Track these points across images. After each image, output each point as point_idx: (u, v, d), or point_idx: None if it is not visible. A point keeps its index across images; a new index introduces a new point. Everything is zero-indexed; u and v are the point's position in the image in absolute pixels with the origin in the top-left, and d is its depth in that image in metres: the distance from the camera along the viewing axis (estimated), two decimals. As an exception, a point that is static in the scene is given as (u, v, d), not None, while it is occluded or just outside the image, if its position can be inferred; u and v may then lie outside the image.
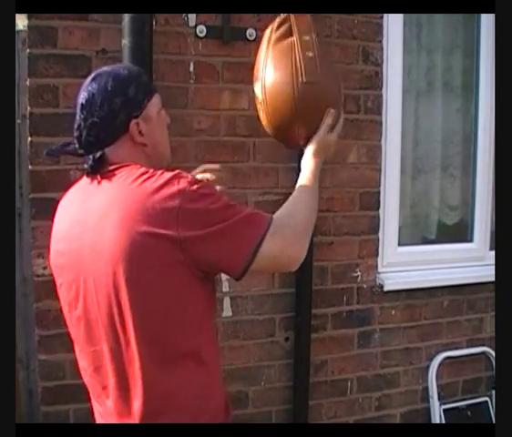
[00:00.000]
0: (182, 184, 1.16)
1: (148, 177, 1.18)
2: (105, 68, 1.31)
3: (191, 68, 2.28)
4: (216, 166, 1.62)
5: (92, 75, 1.29)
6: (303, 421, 2.53)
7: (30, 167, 2.15)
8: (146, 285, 1.16)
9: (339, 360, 2.64)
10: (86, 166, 1.27)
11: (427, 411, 2.80)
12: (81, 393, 2.18)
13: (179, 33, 2.26)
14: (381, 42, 2.57)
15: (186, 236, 1.14)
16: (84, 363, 1.33)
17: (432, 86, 2.87)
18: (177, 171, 1.20)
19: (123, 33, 2.04)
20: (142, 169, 1.21)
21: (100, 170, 1.25)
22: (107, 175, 1.24)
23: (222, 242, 1.17)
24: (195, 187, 1.17)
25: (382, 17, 2.56)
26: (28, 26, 2.08)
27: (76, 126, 1.27)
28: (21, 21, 2.14)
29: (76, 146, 1.28)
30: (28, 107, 2.12)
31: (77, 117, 1.27)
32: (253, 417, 2.50)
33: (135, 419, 1.22)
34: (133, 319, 1.17)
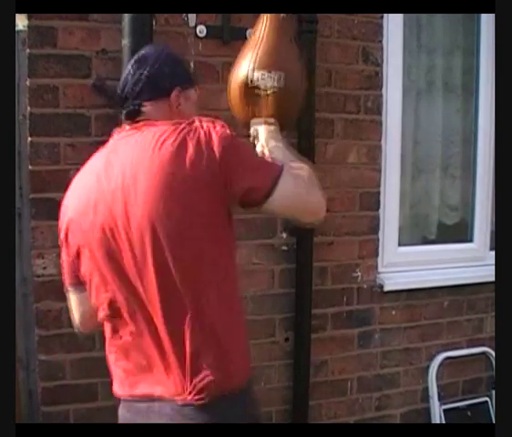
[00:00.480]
0: (216, 123, 1.32)
1: (182, 130, 1.27)
2: (162, 44, 1.53)
3: (191, 68, 2.28)
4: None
5: (149, 45, 1.47)
6: (303, 421, 2.53)
7: (30, 167, 2.15)
8: (184, 208, 1.22)
9: (339, 361, 2.64)
10: (124, 111, 1.36)
11: (427, 412, 2.80)
12: (81, 393, 2.21)
13: (179, 33, 2.26)
14: (381, 42, 2.57)
15: (223, 158, 1.24)
16: (113, 306, 1.33)
17: (432, 87, 2.87)
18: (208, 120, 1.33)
19: (123, 33, 2.04)
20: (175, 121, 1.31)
21: (136, 116, 1.35)
22: (144, 125, 1.32)
23: (252, 165, 1.30)
24: (224, 127, 1.32)
25: (382, 17, 2.56)
26: (28, 26, 2.08)
27: (123, 78, 1.38)
28: (21, 21, 2.14)
29: (119, 91, 1.38)
30: (28, 107, 2.12)
31: (127, 70, 1.38)
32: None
33: (182, 356, 1.24)
34: (171, 251, 1.22)
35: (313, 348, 2.54)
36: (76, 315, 1.47)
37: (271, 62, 1.53)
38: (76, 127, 2.15)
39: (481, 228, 2.94)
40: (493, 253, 2.78)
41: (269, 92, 1.52)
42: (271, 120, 1.54)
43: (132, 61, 1.39)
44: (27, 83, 2.11)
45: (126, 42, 2.03)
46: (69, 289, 1.45)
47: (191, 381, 1.25)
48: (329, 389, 2.64)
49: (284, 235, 2.48)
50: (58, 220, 1.43)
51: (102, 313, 1.36)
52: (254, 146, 1.51)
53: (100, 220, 1.28)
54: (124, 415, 1.37)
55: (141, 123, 1.34)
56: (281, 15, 1.58)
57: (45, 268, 2.13)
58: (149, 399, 1.30)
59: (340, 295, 2.62)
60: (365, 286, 2.66)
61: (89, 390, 2.21)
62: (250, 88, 1.53)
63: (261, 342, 2.50)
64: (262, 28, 1.58)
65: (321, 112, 2.46)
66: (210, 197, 1.24)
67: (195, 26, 2.27)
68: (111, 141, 1.38)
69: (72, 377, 2.21)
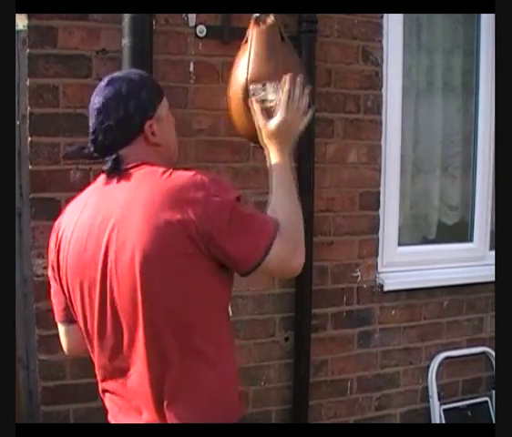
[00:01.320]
0: (206, 178, 1.23)
1: (171, 173, 1.24)
2: (117, 73, 1.37)
3: (191, 68, 2.28)
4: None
5: (105, 80, 1.33)
6: (303, 421, 2.53)
7: (30, 167, 2.15)
8: (168, 273, 1.20)
9: (339, 360, 2.64)
10: (104, 167, 1.31)
11: (427, 411, 2.80)
12: (81, 393, 2.21)
13: (179, 33, 2.26)
14: (381, 42, 2.57)
15: (209, 227, 1.19)
16: (105, 353, 1.32)
17: (432, 86, 2.87)
18: (196, 170, 1.25)
19: (123, 33, 2.04)
20: (163, 168, 1.27)
21: (118, 170, 1.30)
22: (127, 172, 1.29)
23: (241, 236, 1.23)
24: (217, 182, 1.24)
25: (382, 17, 2.56)
26: (28, 26, 2.09)
27: (91, 129, 1.31)
28: (21, 21, 2.14)
29: (91, 149, 1.32)
30: (28, 107, 2.12)
31: (93, 121, 1.30)
32: (253, 417, 2.49)
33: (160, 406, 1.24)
34: (153, 304, 1.20)
35: (313, 348, 2.54)
36: (64, 342, 1.48)
37: (265, 73, 1.47)
38: (76, 127, 2.14)
39: (481, 227, 2.94)
40: (493, 253, 2.78)
41: (270, 104, 1.47)
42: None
43: (95, 109, 1.30)
44: (27, 83, 2.11)
45: (126, 42, 2.03)
46: (59, 321, 1.46)
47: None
48: (329, 389, 2.64)
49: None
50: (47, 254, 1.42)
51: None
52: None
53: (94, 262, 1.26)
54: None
55: (127, 168, 1.29)
56: (268, 21, 1.52)
57: (45, 268, 2.13)
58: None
59: (340, 295, 2.62)
60: (365, 286, 2.66)
61: (89, 390, 2.20)
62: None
63: (261, 342, 2.50)
64: (252, 38, 1.49)
65: (321, 112, 2.46)
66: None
67: (195, 26, 2.27)
68: (99, 183, 1.34)
69: (72, 377, 2.21)
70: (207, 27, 2.27)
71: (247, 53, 1.47)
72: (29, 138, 2.13)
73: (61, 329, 1.47)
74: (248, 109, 1.45)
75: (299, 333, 2.51)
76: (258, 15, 1.50)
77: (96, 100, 1.31)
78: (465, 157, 2.96)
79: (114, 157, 1.29)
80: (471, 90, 2.91)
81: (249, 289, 2.44)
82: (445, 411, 2.78)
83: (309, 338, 2.52)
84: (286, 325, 2.53)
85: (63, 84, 2.13)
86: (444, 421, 2.76)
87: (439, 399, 2.78)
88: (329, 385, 2.64)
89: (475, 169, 2.93)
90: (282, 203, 1.35)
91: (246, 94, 1.45)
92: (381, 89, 2.60)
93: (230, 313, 2.40)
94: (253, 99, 1.43)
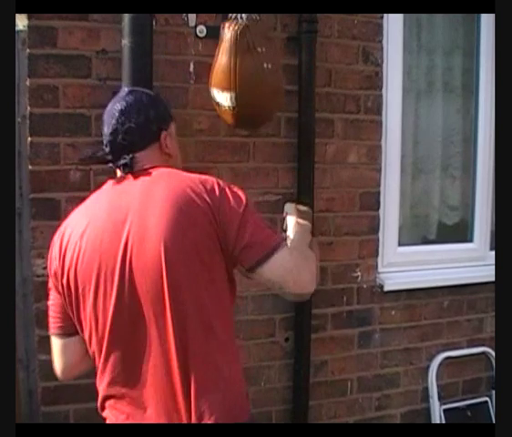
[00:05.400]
0: (220, 180, 1.33)
1: (186, 175, 1.34)
2: (136, 88, 1.54)
3: (191, 68, 2.28)
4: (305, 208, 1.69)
5: (125, 90, 1.47)
6: (303, 421, 2.53)
7: (30, 167, 2.15)
8: (192, 266, 1.26)
9: (339, 361, 2.64)
10: (119, 163, 1.37)
11: (427, 412, 2.80)
12: (81, 393, 2.20)
13: (179, 33, 2.26)
14: (381, 42, 2.57)
15: (225, 215, 1.28)
16: (117, 352, 1.33)
17: (432, 87, 2.87)
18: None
19: (123, 33, 2.04)
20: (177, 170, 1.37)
21: (133, 169, 1.36)
22: (144, 171, 1.36)
23: (254, 229, 1.30)
24: (231, 186, 1.34)
25: (382, 17, 2.56)
26: (28, 26, 2.08)
27: (110, 130, 1.37)
28: (21, 21, 2.14)
29: (107, 150, 1.38)
30: (28, 107, 2.12)
31: (114, 122, 1.37)
32: (253, 417, 2.49)
33: (187, 396, 1.27)
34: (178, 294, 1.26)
35: (313, 348, 2.54)
36: (60, 362, 1.46)
37: (220, 82, 1.62)
38: (76, 127, 2.15)
39: (481, 228, 2.94)
40: (493, 253, 2.79)
41: (226, 108, 1.62)
42: (303, 208, 1.62)
43: (116, 112, 1.38)
44: (27, 83, 2.11)
45: (126, 42, 2.03)
46: (56, 333, 1.45)
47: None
48: (329, 389, 2.64)
49: (284, 235, 2.48)
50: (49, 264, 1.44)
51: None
52: (283, 229, 1.58)
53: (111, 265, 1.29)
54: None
55: (143, 169, 1.37)
56: (235, 26, 1.63)
57: (45, 268, 2.12)
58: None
59: (340, 295, 2.61)
60: (365, 286, 2.66)
61: (89, 390, 2.19)
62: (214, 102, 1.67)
63: (261, 342, 2.50)
64: (222, 43, 1.70)
65: (321, 112, 2.46)
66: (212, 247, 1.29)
67: (195, 26, 2.27)
68: (109, 186, 1.40)
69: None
70: (207, 27, 2.27)
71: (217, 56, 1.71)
72: (29, 138, 2.13)
73: (57, 344, 1.45)
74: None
75: (299, 333, 2.51)
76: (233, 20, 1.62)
77: (116, 106, 1.39)
78: (465, 158, 2.96)
79: (130, 156, 1.35)
80: (471, 90, 2.91)
81: (249, 290, 2.44)
82: (445, 411, 2.78)
83: (309, 338, 2.52)
84: (286, 325, 2.53)
85: (63, 84, 2.13)
86: (444, 422, 2.76)
87: (439, 399, 2.78)
88: (329, 385, 2.64)
89: (475, 169, 2.93)
90: (299, 244, 1.45)
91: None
92: (381, 89, 2.60)
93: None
94: None
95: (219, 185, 1.31)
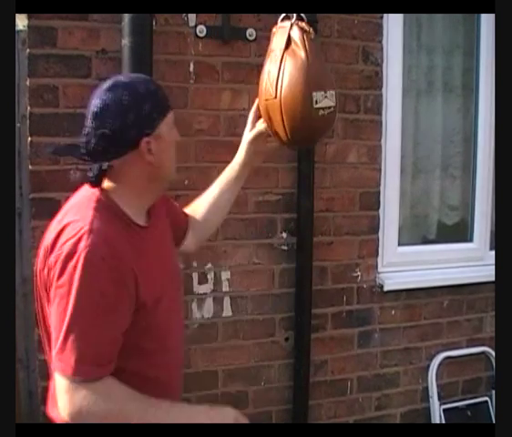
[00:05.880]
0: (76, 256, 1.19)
1: (65, 227, 1.26)
2: (122, 79, 1.31)
3: (191, 68, 2.28)
4: None
5: (108, 83, 1.26)
6: (303, 421, 2.53)
7: (30, 167, 2.14)
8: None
9: (339, 360, 2.64)
10: (89, 174, 1.29)
11: (427, 411, 2.80)
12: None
13: (179, 33, 2.26)
14: (381, 42, 2.57)
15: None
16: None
17: (432, 86, 2.87)
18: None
19: (123, 33, 2.04)
20: (78, 217, 1.25)
21: (97, 184, 1.29)
22: (77, 191, 1.38)
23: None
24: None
25: (382, 17, 2.56)
26: (28, 26, 2.08)
27: (85, 131, 1.24)
28: (21, 21, 2.14)
29: (83, 151, 1.25)
30: (28, 107, 2.12)
31: (88, 123, 1.24)
32: (253, 417, 2.49)
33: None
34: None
35: (313, 348, 2.54)
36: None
37: (326, 82, 1.50)
38: (76, 127, 2.13)
39: (481, 227, 2.94)
40: (493, 253, 2.78)
41: (331, 111, 1.49)
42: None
43: (91, 112, 1.23)
44: (27, 83, 2.11)
45: (126, 42, 2.03)
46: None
47: None
48: (329, 389, 2.64)
49: (284, 235, 2.48)
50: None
51: None
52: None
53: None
54: None
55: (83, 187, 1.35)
56: (310, 29, 1.55)
57: (45, 268, 2.13)
58: None
59: (340, 295, 2.62)
60: (365, 286, 2.66)
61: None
62: (314, 109, 1.46)
63: (261, 342, 2.50)
64: (306, 44, 1.51)
65: (321, 112, 2.46)
66: None
67: (195, 26, 2.27)
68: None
69: (72, 377, 2.21)
70: (207, 27, 2.27)
71: (303, 60, 1.48)
72: (29, 138, 2.13)
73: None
74: (308, 115, 1.46)
75: (299, 333, 2.51)
76: (297, 20, 1.53)
77: (94, 102, 1.24)
78: (465, 157, 2.96)
79: (104, 166, 1.25)
80: (471, 90, 2.90)
81: (249, 290, 2.44)
82: (445, 411, 2.78)
83: (309, 338, 2.52)
84: (286, 325, 2.53)
85: (63, 84, 2.13)
86: (444, 421, 2.76)
87: (439, 399, 2.78)
88: (329, 385, 2.64)
89: (475, 169, 2.93)
90: (130, 407, 1.24)
91: (308, 101, 1.46)
92: (381, 89, 2.60)
93: (230, 313, 2.52)
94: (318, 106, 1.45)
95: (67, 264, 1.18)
